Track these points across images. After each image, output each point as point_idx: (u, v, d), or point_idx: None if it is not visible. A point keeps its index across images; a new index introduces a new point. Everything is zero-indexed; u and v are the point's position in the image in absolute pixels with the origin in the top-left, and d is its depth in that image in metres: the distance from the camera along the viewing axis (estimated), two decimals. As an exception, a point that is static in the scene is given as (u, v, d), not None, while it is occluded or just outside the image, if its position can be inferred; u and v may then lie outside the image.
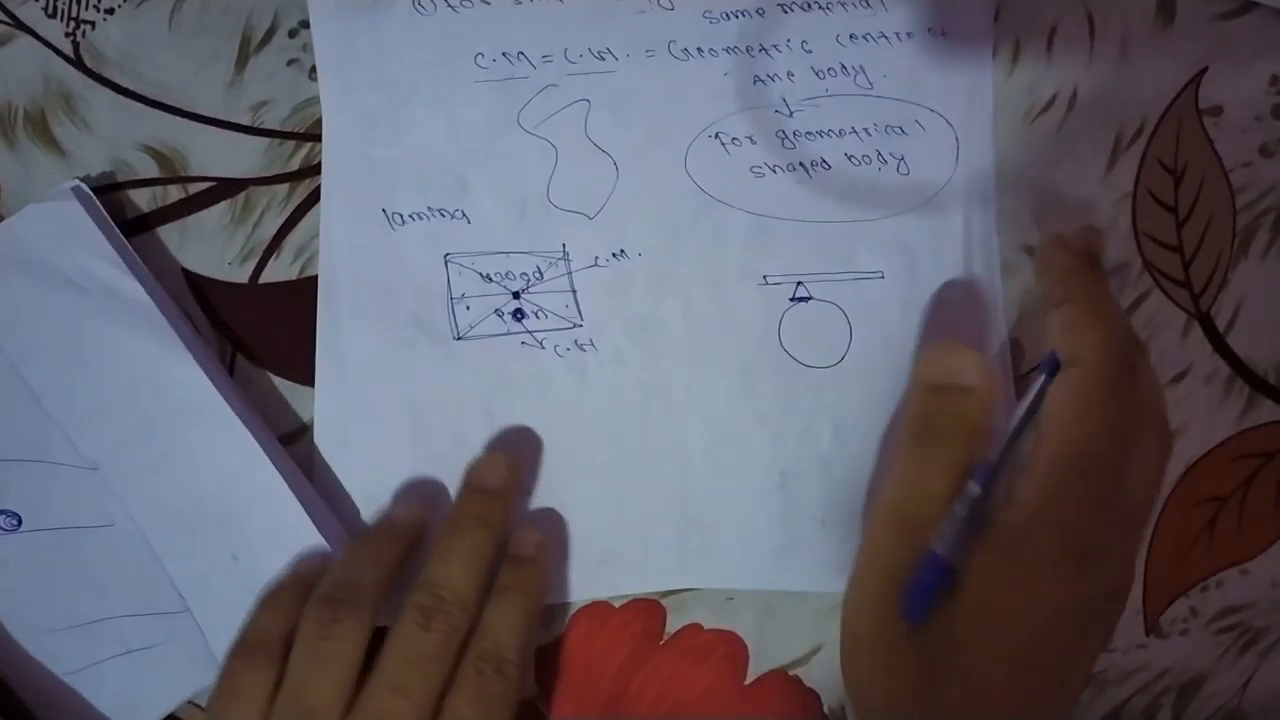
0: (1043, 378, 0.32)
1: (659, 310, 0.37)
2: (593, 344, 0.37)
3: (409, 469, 0.37)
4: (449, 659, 0.32)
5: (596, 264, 0.37)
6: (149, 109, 0.36)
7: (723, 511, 0.38)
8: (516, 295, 0.37)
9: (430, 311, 0.37)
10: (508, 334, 0.37)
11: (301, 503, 0.35)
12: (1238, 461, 0.40)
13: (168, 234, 0.36)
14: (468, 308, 0.37)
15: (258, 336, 0.37)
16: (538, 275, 0.37)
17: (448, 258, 0.37)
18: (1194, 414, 0.39)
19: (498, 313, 0.37)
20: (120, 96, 0.36)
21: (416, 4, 0.36)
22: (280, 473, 0.35)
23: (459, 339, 0.37)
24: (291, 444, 0.37)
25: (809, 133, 0.37)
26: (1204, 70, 0.38)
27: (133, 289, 0.35)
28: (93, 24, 0.35)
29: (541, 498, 0.37)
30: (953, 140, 0.37)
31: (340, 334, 0.37)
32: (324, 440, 0.37)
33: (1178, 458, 0.40)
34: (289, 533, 0.35)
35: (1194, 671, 0.41)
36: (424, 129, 0.37)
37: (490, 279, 0.37)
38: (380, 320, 0.37)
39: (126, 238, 0.36)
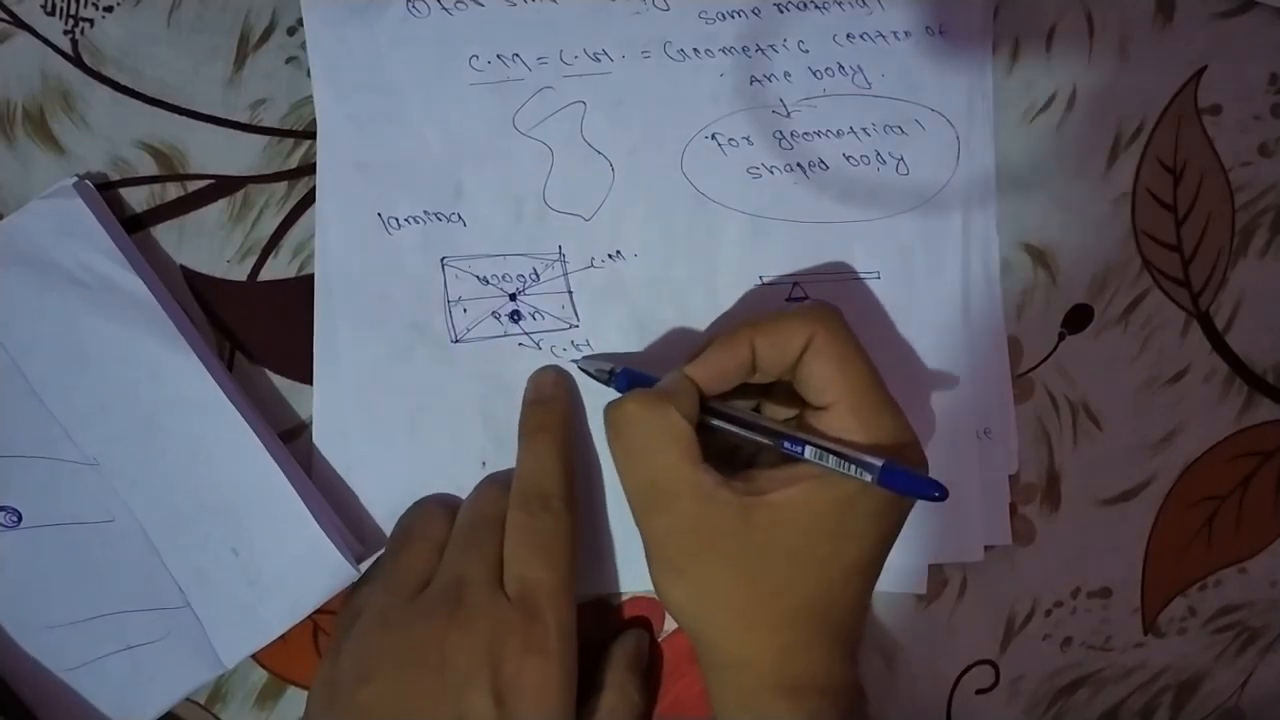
0: None
1: (655, 311, 0.37)
2: (589, 345, 0.37)
3: (407, 470, 0.37)
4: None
5: (593, 265, 0.37)
6: (148, 107, 0.36)
7: None
8: (513, 297, 0.37)
9: (427, 315, 0.37)
10: (504, 336, 0.37)
11: (302, 498, 0.35)
12: (1236, 460, 0.40)
13: (166, 232, 0.36)
14: (464, 310, 0.37)
15: (256, 334, 0.37)
16: (534, 277, 0.37)
17: (444, 261, 0.37)
18: (1193, 413, 0.39)
19: (494, 315, 0.37)
20: (119, 94, 0.36)
21: (410, 6, 0.36)
22: (281, 468, 0.35)
23: (456, 341, 0.37)
24: (290, 441, 0.37)
25: (806, 133, 0.37)
26: (1203, 69, 0.38)
27: (135, 285, 0.35)
28: (91, 21, 0.35)
29: None
30: (953, 139, 0.37)
31: (337, 339, 0.37)
32: (322, 441, 0.37)
33: (1177, 457, 0.40)
34: (289, 528, 0.35)
35: (1192, 670, 0.41)
36: (419, 132, 0.36)
37: (487, 281, 0.37)
38: (377, 325, 0.37)
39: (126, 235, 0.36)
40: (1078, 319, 0.39)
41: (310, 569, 0.35)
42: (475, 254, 0.37)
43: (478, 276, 0.37)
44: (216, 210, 0.37)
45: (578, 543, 0.34)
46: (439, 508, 0.36)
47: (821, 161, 0.37)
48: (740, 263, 0.37)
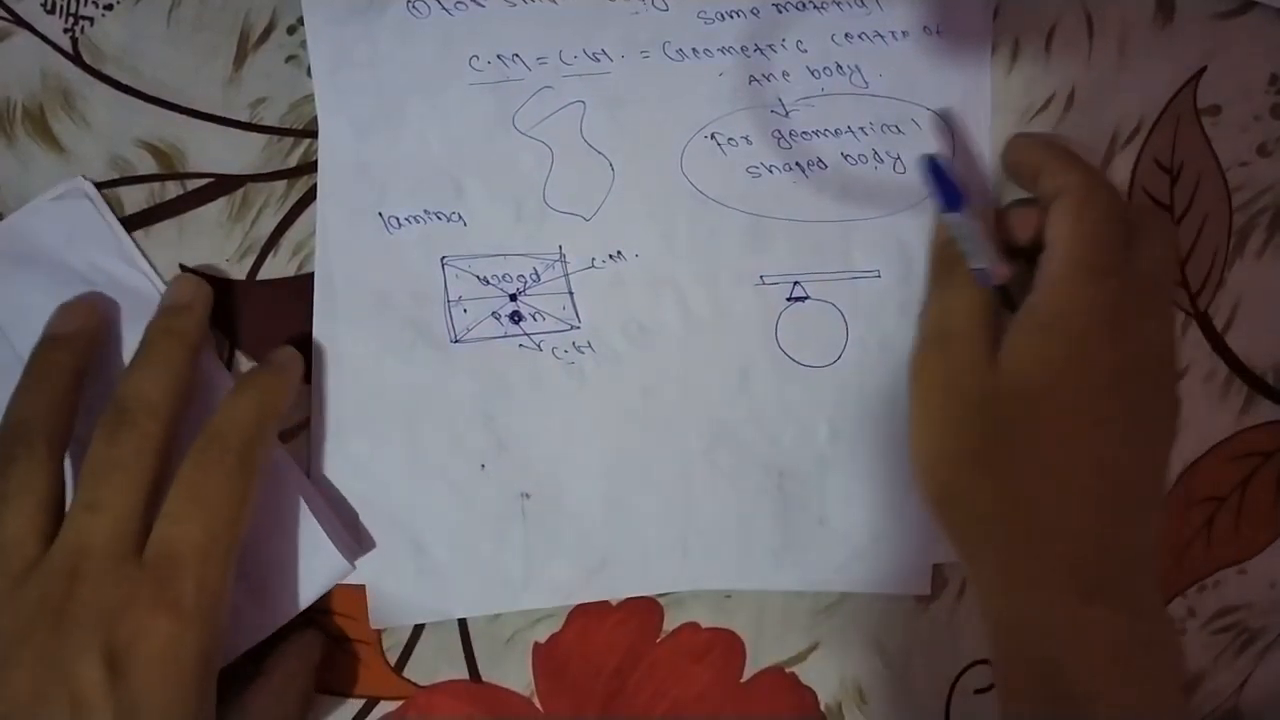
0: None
1: (656, 311, 0.37)
2: (590, 346, 0.37)
3: (406, 471, 0.37)
4: (146, 466, 0.31)
5: (593, 266, 0.37)
6: (148, 105, 0.36)
7: (721, 512, 0.38)
8: (513, 298, 0.37)
9: (427, 315, 0.37)
10: (505, 336, 0.37)
11: (300, 495, 0.35)
12: (1236, 461, 0.40)
13: (166, 230, 0.36)
14: (465, 310, 0.37)
15: (256, 333, 0.37)
16: (534, 277, 0.37)
17: (444, 260, 0.37)
18: (1192, 413, 0.39)
19: (495, 315, 0.37)
20: (119, 93, 0.36)
21: (411, 6, 0.36)
22: (280, 467, 0.35)
23: (456, 342, 0.37)
24: (288, 440, 0.37)
25: (805, 132, 0.37)
26: (1202, 69, 0.38)
27: (141, 284, 0.35)
28: (91, 20, 0.35)
29: (540, 500, 0.37)
30: (950, 138, 0.37)
31: (336, 338, 0.37)
32: (320, 440, 0.37)
33: (1176, 457, 0.40)
34: (286, 524, 0.35)
35: (1191, 671, 0.41)
36: (419, 132, 0.36)
37: (487, 281, 0.37)
38: (376, 324, 0.37)
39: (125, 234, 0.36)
40: (1077, 319, 0.39)
41: (307, 566, 0.35)
42: (475, 254, 0.37)
43: (478, 276, 0.37)
44: (216, 209, 0.37)
45: (245, 494, 0.32)
46: (38, 438, 0.32)
47: (820, 160, 0.37)
48: (740, 262, 0.37)
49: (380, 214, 0.37)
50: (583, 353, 0.37)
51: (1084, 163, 0.34)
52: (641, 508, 0.38)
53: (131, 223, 0.36)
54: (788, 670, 0.39)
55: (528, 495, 0.37)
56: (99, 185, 0.36)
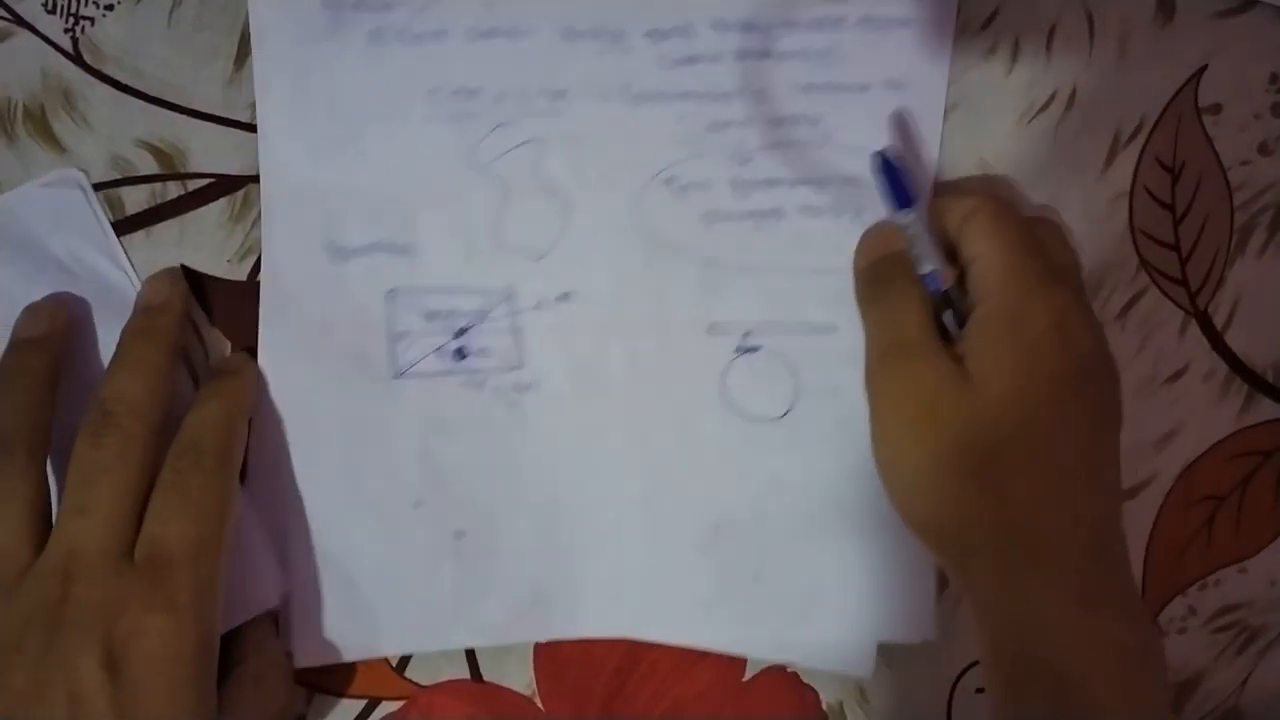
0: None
1: (603, 355, 0.37)
2: (534, 387, 0.37)
3: (339, 505, 0.36)
4: (132, 467, 0.31)
5: (542, 306, 0.37)
6: (148, 105, 0.36)
7: (656, 561, 0.37)
8: (459, 334, 0.37)
9: (369, 347, 0.36)
10: (448, 373, 0.37)
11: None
12: (1236, 460, 0.40)
13: (167, 231, 0.36)
14: (408, 345, 0.36)
15: (255, 333, 0.37)
16: (481, 315, 0.36)
17: (391, 293, 0.36)
18: (1192, 412, 0.39)
19: (439, 351, 0.36)
20: (119, 93, 0.36)
21: (373, 37, 0.35)
22: None
23: (397, 377, 0.36)
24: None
25: (764, 181, 0.36)
26: (1203, 68, 0.38)
27: (119, 281, 0.35)
28: (92, 20, 0.35)
29: (474, 539, 0.37)
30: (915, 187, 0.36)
31: (278, 365, 0.36)
32: (256, 471, 0.36)
33: (1176, 456, 0.40)
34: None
35: (1192, 670, 0.41)
36: (375, 163, 0.36)
37: (433, 316, 0.36)
38: (318, 355, 0.36)
39: (126, 234, 0.36)
40: (1077, 318, 0.39)
41: (231, 593, 0.33)
42: (423, 288, 0.36)
43: (424, 311, 0.36)
44: (217, 209, 0.37)
45: (228, 499, 0.32)
46: (18, 445, 0.32)
47: (777, 210, 0.37)
48: (690, 310, 0.37)
49: (329, 242, 0.36)
50: (525, 393, 0.37)
51: (978, 187, 0.36)
52: (576, 550, 0.37)
53: (132, 223, 0.36)
54: (789, 669, 0.39)
55: (462, 533, 0.37)
56: (100, 185, 0.36)
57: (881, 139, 0.36)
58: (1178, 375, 0.39)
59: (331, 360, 0.36)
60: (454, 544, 0.37)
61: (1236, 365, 0.39)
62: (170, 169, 0.36)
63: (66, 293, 0.35)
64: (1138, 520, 0.40)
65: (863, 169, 0.36)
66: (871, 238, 0.36)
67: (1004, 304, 0.32)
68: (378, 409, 0.36)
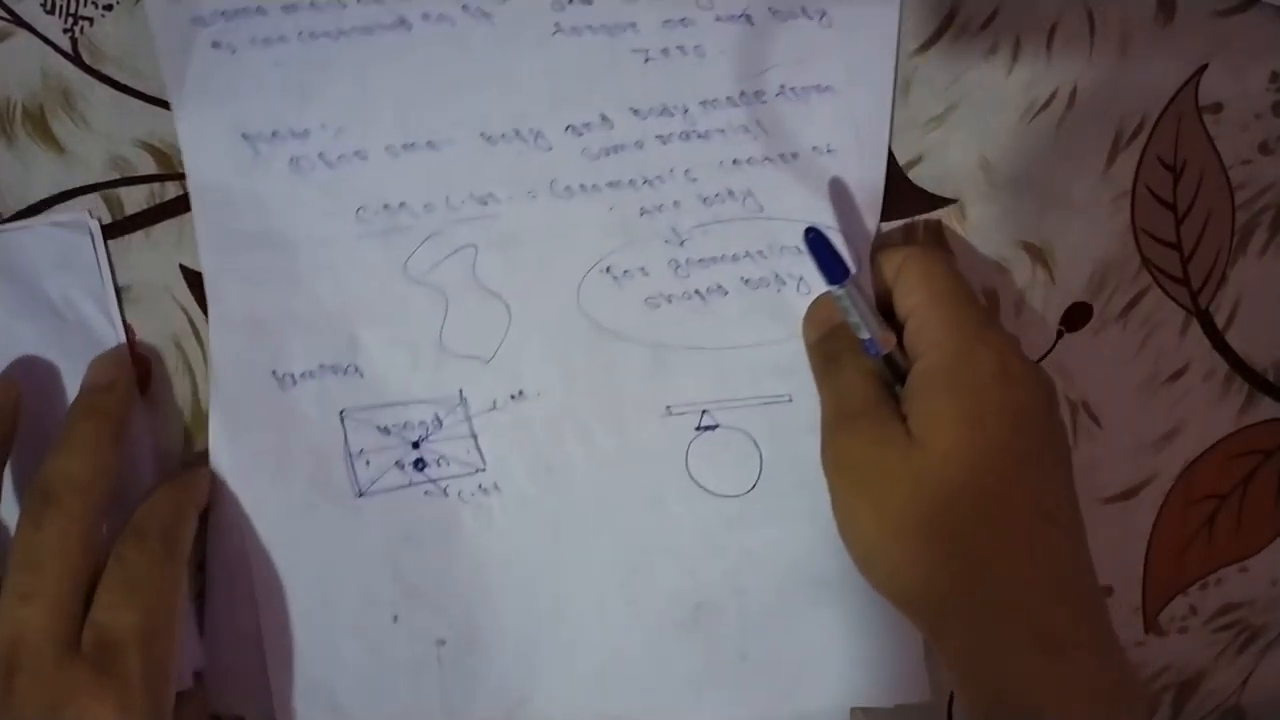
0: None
1: (562, 449, 0.37)
2: (497, 487, 0.37)
3: (317, 629, 0.37)
4: (75, 549, 0.31)
5: (495, 407, 0.37)
6: (148, 106, 0.36)
7: (639, 646, 0.38)
8: (416, 445, 0.37)
9: (329, 471, 0.36)
10: (410, 485, 0.37)
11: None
12: (1237, 459, 0.40)
13: (166, 231, 0.36)
14: (367, 463, 0.36)
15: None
16: (437, 423, 0.36)
17: (343, 413, 0.36)
18: (1193, 412, 0.39)
19: (398, 464, 0.37)
20: (119, 93, 0.36)
21: (294, 163, 0.35)
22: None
23: (361, 495, 0.37)
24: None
25: (703, 259, 0.36)
26: (1204, 67, 0.38)
27: (106, 334, 0.35)
28: (91, 20, 0.35)
29: (456, 645, 0.37)
30: (851, 253, 0.36)
31: (237, 500, 0.36)
32: (218, 605, 0.36)
33: (1177, 456, 0.40)
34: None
35: (1193, 669, 0.41)
36: (310, 286, 0.36)
37: (388, 431, 0.36)
38: (277, 487, 0.36)
39: (124, 234, 0.36)
40: (1076, 317, 0.39)
41: None
42: (375, 404, 0.36)
43: (379, 427, 0.36)
44: (216, 209, 0.36)
45: (175, 581, 0.32)
46: None
47: (720, 286, 0.37)
48: (644, 394, 0.37)
49: (274, 372, 0.36)
50: (490, 494, 0.37)
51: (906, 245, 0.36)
52: (559, 644, 0.37)
53: (131, 223, 0.36)
54: (790, 669, 0.39)
55: (443, 642, 0.37)
56: (99, 185, 0.36)
57: (817, 205, 0.36)
58: (1178, 374, 0.39)
59: (293, 485, 0.36)
60: (436, 652, 0.37)
61: (1237, 364, 0.39)
62: (170, 169, 0.36)
63: (11, 369, 0.35)
64: (1138, 520, 0.40)
65: (800, 236, 0.34)
66: (815, 311, 0.36)
67: (942, 358, 0.32)
68: (345, 529, 0.37)
